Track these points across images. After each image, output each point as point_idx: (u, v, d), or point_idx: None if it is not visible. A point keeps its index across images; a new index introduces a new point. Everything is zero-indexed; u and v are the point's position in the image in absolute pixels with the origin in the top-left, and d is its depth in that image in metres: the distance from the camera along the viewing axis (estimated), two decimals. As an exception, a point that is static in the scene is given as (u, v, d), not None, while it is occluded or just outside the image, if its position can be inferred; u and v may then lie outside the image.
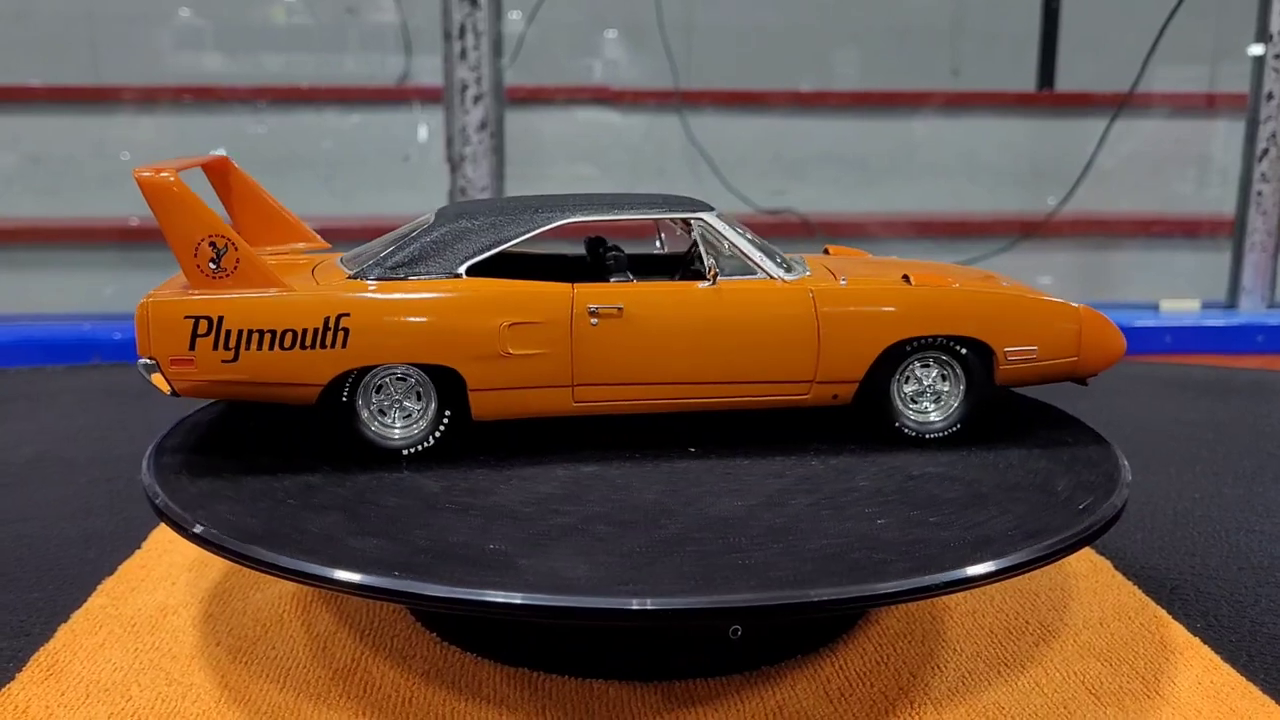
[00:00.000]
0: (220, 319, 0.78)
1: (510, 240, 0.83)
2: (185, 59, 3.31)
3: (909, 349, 0.85)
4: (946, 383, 0.87)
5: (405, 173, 3.24)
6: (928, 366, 0.86)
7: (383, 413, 0.82)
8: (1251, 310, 2.54)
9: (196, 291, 0.79)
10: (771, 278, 0.84)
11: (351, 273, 0.82)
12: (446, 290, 0.80)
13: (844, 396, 0.85)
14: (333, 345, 0.78)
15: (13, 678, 0.76)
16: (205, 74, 3.28)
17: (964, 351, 0.86)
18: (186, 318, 0.78)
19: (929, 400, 0.87)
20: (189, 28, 3.35)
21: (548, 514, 0.72)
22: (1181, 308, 2.72)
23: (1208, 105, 3.44)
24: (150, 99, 3.21)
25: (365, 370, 0.80)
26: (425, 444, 0.82)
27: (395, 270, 0.81)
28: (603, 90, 3.40)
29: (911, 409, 0.87)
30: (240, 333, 0.78)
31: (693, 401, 0.83)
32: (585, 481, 0.78)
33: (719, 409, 0.85)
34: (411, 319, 0.79)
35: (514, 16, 3.25)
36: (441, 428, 0.82)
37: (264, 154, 3.25)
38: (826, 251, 1.00)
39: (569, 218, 0.84)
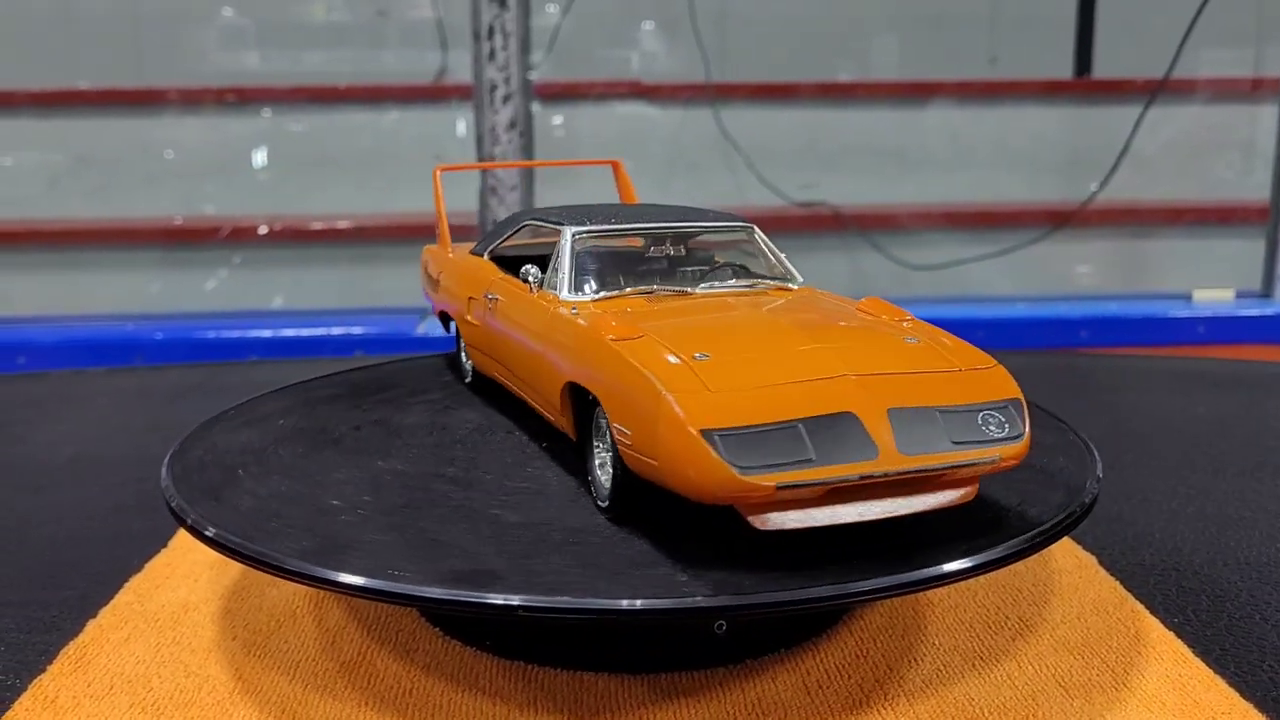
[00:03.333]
0: None
1: None
2: (227, 59, 3.38)
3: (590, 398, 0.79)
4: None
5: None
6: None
7: None
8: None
9: None
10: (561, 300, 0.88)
11: None
12: None
13: (568, 430, 0.85)
14: None
15: (43, 669, 0.81)
16: (246, 73, 3.35)
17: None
18: None
19: (601, 466, 0.79)
20: (231, 28, 3.42)
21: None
22: (1215, 297, 2.71)
23: (1252, 89, 3.41)
24: (194, 100, 3.29)
25: None
26: None
27: None
28: (635, 84, 3.43)
29: (596, 469, 0.80)
30: None
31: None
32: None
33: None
34: None
35: (551, 10, 3.28)
36: None
37: (304, 153, 3.31)
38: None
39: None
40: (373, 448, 0.92)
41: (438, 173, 1.23)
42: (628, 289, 0.89)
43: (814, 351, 0.74)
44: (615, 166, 1.23)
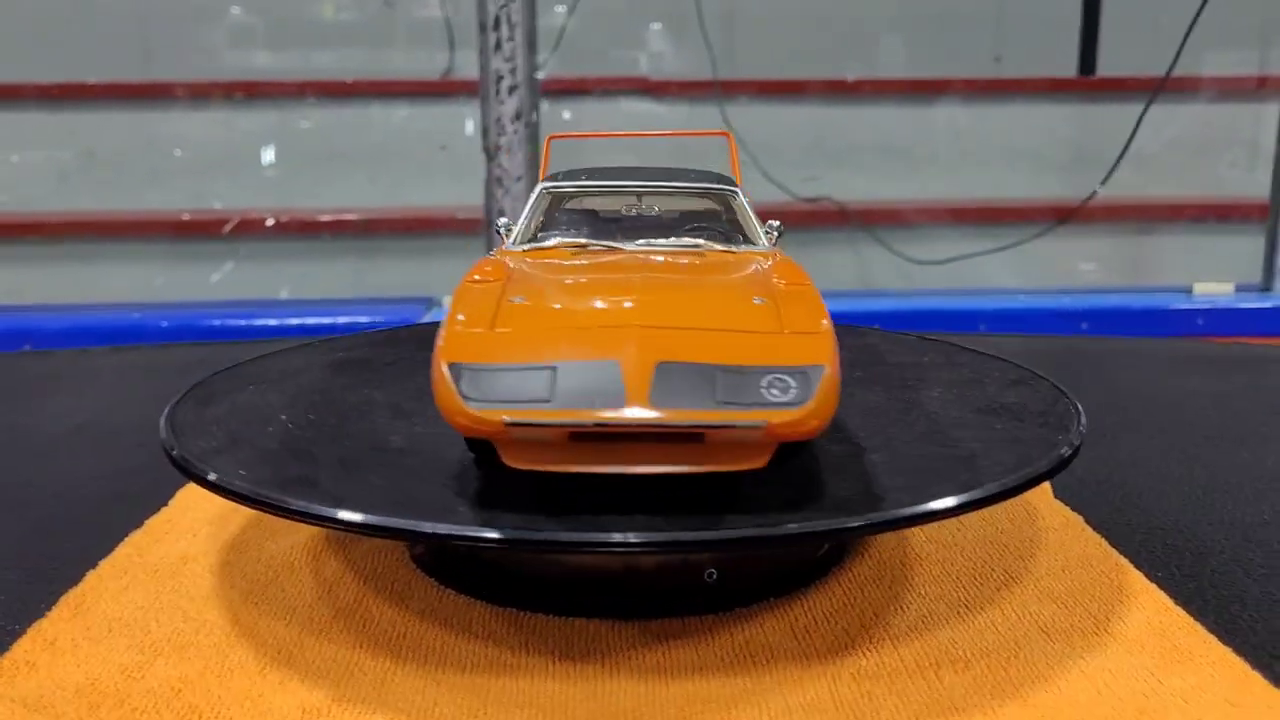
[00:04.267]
0: None
1: None
2: (235, 55, 3.40)
3: None
4: None
5: (443, 163, 3.31)
6: None
7: None
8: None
9: None
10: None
11: None
12: None
13: None
14: None
15: (43, 615, 0.83)
16: (255, 69, 3.38)
17: None
18: None
19: None
20: (239, 24, 3.45)
21: None
22: (1215, 291, 2.73)
23: (1254, 88, 3.42)
24: (202, 95, 3.31)
25: None
26: None
27: None
28: (641, 81, 3.45)
29: None
30: None
31: None
32: None
33: None
34: None
35: (559, 10, 3.30)
36: None
37: (312, 148, 3.34)
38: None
39: None
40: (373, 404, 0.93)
41: (548, 141, 1.23)
42: (559, 240, 0.92)
43: (632, 302, 0.74)
44: (728, 138, 1.24)
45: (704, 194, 0.98)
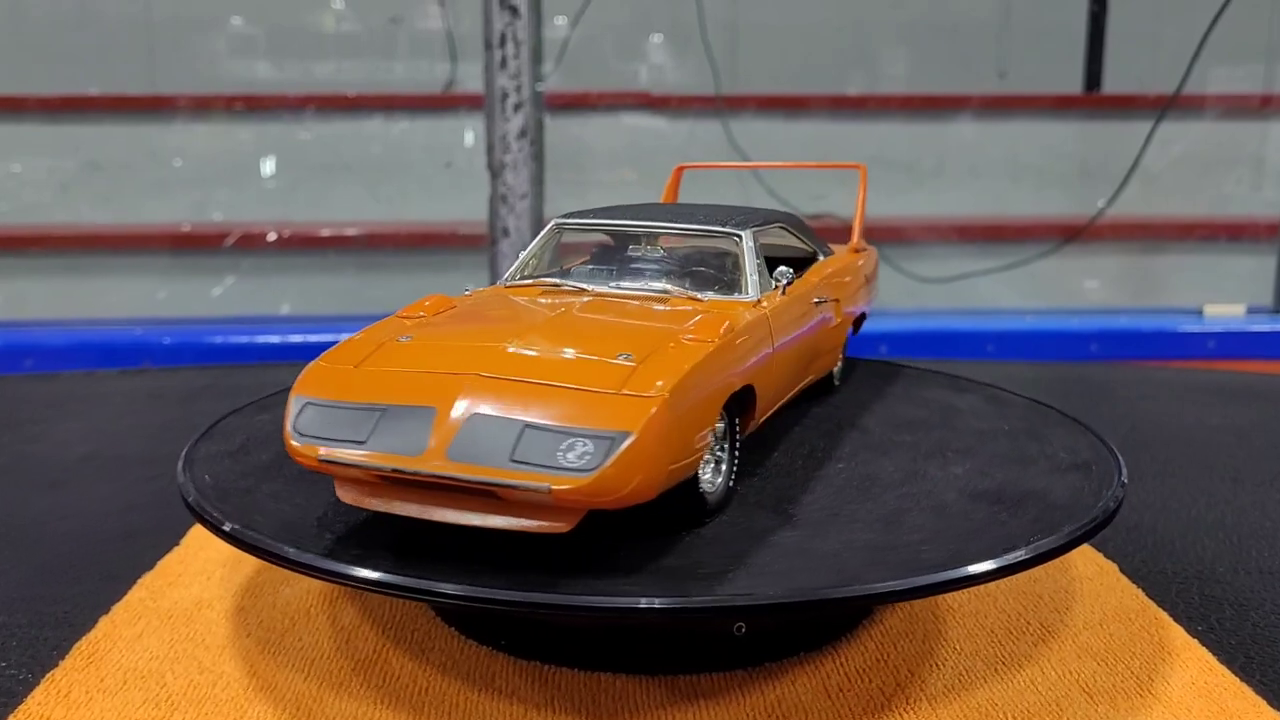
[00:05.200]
0: None
1: None
2: (237, 67, 3.38)
3: None
4: None
5: (448, 179, 3.29)
6: None
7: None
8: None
9: None
10: None
11: None
12: None
13: None
14: None
15: (56, 665, 0.81)
16: (257, 82, 3.36)
17: None
18: None
19: None
20: (241, 36, 3.43)
21: None
22: (1226, 313, 2.71)
23: (1262, 106, 3.41)
24: (203, 107, 3.29)
25: None
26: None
27: None
28: (644, 95, 3.43)
29: None
30: None
31: None
32: None
33: None
34: None
35: (559, 22, 3.29)
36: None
37: (313, 161, 3.32)
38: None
39: None
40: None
41: (678, 172, 1.27)
42: (539, 279, 0.94)
43: (500, 350, 0.73)
44: (861, 170, 1.22)
45: (711, 236, 0.94)
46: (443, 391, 0.69)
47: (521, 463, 0.65)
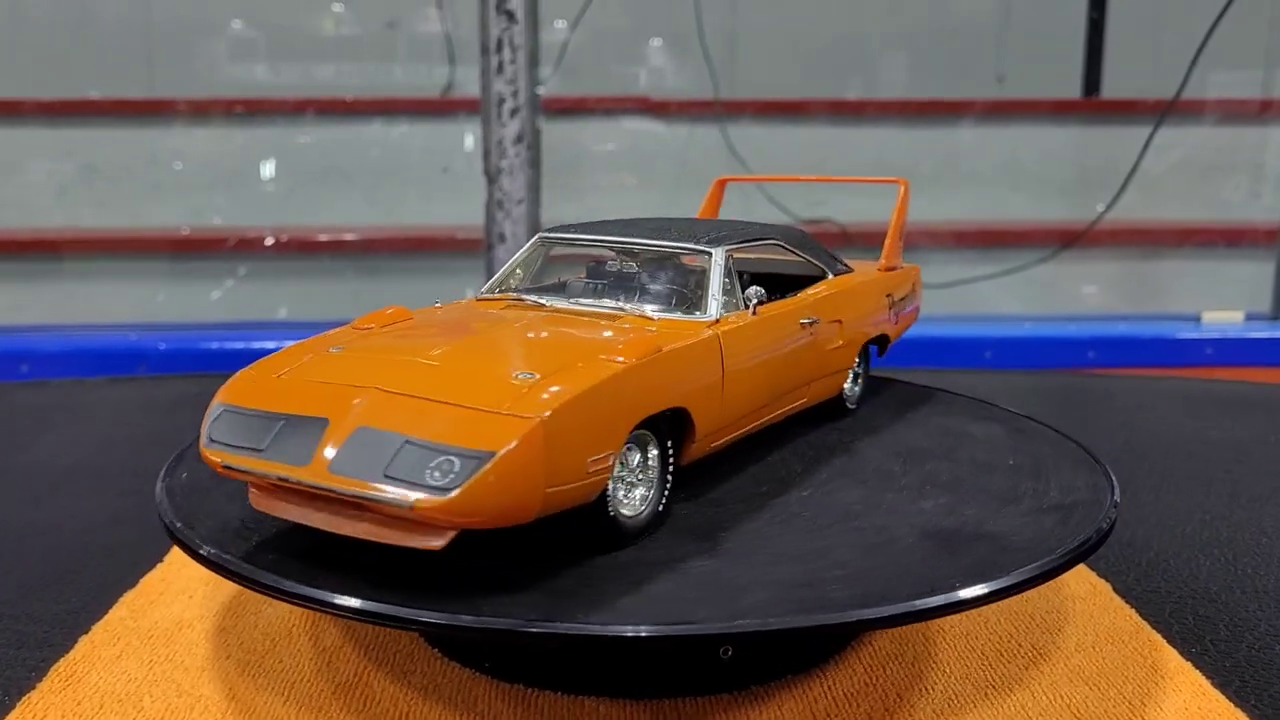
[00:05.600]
0: None
1: None
2: (237, 70, 3.37)
3: None
4: None
5: (445, 183, 3.28)
6: None
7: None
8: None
9: None
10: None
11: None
12: None
13: None
14: None
15: (33, 686, 0.79)
16: (256, 85, 3.35)
17: None
18: None
19: None
20: (241, 39, 3.42)
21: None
22: (1224, 319, 2.69)
23: (1261, 111, 3.40)
24: (202, 110, 3.28)
25: None
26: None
27: None
28: (643, 100, 3.42)
29: None
30: None
31: None
32: None
33: None
34: None
35: (558, 26, 3.28)
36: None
37: (312, 165, 3.31)
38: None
39: None
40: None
41: (720, 184, 1.26)
42: (504, 292, 0.95)
43: (410, 364, 0.74)
44: (902, 185, 1.20)
45: (685, 254, 0.92)
46: (339, 404, 0.70)
47: (391, 478, 0.65)
